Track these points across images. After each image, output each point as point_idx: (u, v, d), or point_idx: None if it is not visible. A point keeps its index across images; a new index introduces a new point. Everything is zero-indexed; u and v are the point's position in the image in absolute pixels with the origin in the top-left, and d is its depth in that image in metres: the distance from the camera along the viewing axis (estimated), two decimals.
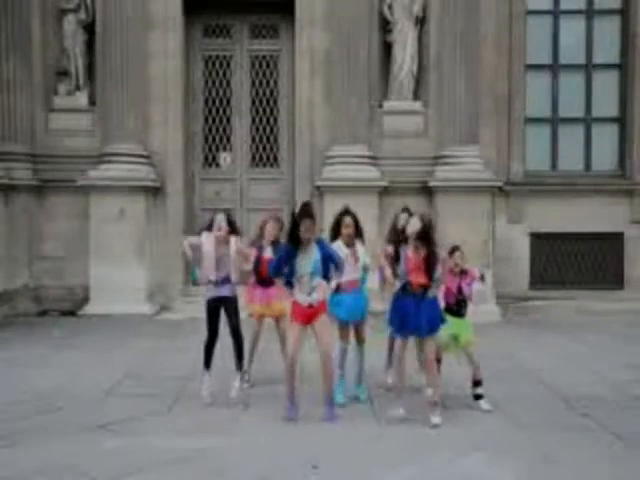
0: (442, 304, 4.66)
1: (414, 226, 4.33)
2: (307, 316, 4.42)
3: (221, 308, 4.86)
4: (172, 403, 4.75)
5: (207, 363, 4.85)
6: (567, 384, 5.25)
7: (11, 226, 8.36)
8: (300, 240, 4.34)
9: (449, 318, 4.63)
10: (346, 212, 4.91)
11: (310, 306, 4.40)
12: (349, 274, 4.72)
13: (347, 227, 4.82)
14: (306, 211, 4.39)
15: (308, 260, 4.37)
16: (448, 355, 4.83)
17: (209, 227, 4.81)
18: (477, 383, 4.71)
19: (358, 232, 4.91)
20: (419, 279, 4.31)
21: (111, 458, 3.73)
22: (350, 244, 4.83)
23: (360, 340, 4.98)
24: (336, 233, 4.88)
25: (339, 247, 4.76)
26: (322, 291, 4.42)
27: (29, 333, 7.30)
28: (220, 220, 4.76)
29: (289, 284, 4.47)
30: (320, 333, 4.42)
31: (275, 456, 3.74)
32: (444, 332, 4.62)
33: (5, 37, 8.36)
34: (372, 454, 3.80)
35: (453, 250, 4.74)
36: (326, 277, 4.46)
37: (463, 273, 4.70)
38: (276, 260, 4.58)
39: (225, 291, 4.83)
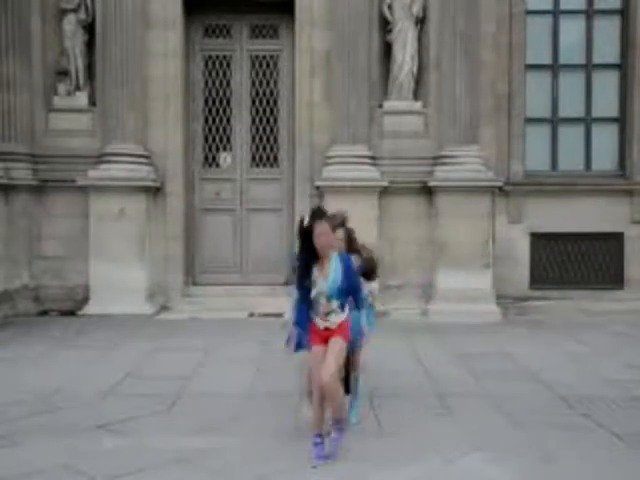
0: None
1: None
2: (325, 338, 3.73)
3: None
4: (172, 403, 4.74)
5: None
6: (567, 384, 5.25)
7: (11, 226, 8.33)
8: (315, 251, 3.60)
9: None
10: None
11: (327, 329, 3.72)
12: None
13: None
14: (319, 212, 3.66)
15: (324, 279, 3.64)
16: None
17: None
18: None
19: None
20: None
21: (111, 458, 3.73)
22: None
23: (354, 368, 4.39)
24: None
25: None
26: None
27: (29, 333, 7.28)
28: None
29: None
30: (327, 357, 3.66)
31: (275, 456, 3.73)
32: None
33: (5, 37, 8.33)
34: (372, 454, 3.80)
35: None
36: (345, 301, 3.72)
37: None
38: (297, 303, 3.78)
39: None
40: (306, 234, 3.59)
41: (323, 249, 3.59)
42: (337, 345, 3.69)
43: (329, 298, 3.66)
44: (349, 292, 3.72)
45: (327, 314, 3.69)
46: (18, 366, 5.82)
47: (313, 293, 3.65)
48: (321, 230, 3.55)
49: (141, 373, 5.59)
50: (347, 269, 3.67)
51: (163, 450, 3.81)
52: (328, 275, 3.63)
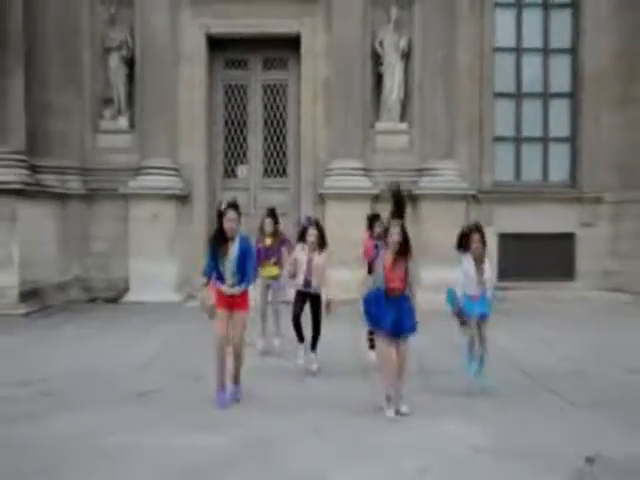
0: None
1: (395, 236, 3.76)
2: (229, 303, 3.85)
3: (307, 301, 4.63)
4: (197, 378, 4.53)
5: (300, 338, 4.66)
6: (531, 360, 5.07)
7: (66, 228, 8.23)
8: (225, 234, 3.75)
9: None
10: (475, 228, 4.18)
11: (231, 296, 3.84)
12: (472, 289, 4.14)
13: (476, 243, 4.14)
14: (232, 204, 3.78)
15: (229, 258, 3.79)
16: None
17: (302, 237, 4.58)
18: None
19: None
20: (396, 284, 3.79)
21: (145, 419, 3.54)
22: (479, 260, 4.17)
23: (482, 341, 4.24)
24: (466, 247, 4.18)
25: (468, 262, 4.13)
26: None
27: (80, 317, 7.13)
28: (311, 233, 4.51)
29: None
30: (234, 329, 3.87)
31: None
32: None
33: (62, 72, 8.25)
34: (371, 418, 3.59)
35: (374, 219, 4.82)
36: (244, 275, 3.82)
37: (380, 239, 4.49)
38: (207, 263, 3.93)
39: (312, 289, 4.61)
40: (219, 217, 3.77)
41: (229, 232, 3.74)
42: (241, 320, 3.89)
43: (232, 272, 3.80)
44: (244, 267, 3.81)
45: (232, 285, 3.81)
46: (69, 344, 5.66)
47: (221, 267, 3.79)
48: (229, 217, 3.72)
49: (171, 351, 5.40)
50: (244, 249, 3.81)
51: (189, 416, 3.65)
52: (232, 254, 3.77)
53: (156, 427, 3.46)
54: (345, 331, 5.02)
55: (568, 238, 9.12)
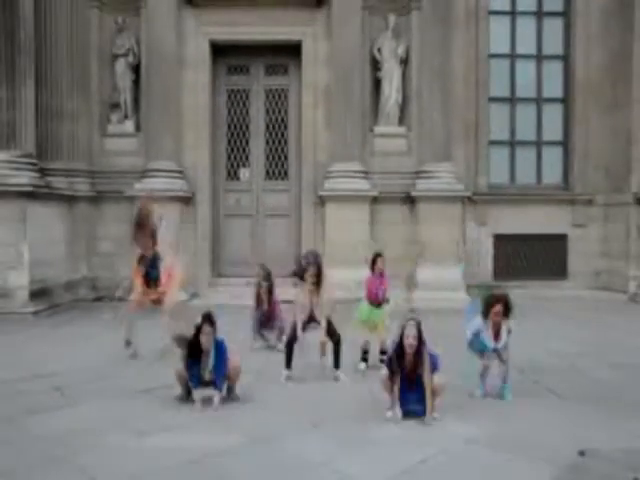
0: (366, 301, 4.58)
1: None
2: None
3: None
4: None
5: (288, 363, 4.40)
6: (523, 357, 5.01)
7: (74, 229, 8.23)
8: (201, 347, 3.74)
9: (370, 308, 4.57)
10: (497, 299, 3.87)
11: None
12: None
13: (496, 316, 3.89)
14: (208, 317, 3.75)
15: (207, 364, 3.78)
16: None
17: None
18: (383, 352, 4.44)
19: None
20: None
21: (151, 412, 3.56)
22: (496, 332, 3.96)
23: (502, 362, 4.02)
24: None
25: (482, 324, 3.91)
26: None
27: (87, 316, 7.16)
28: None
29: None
30: None
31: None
32: (366, 317, 4.54)
33: (71, 78, 8.24)
34: (370, 415, 3.59)
35: (376, 257, 4.62)
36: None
37: (382, 275, 4.58)
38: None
39: None
40: (196, 332, 3.75)
41: (204, 344, 3.74)
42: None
43: (210, 373, 3.78)
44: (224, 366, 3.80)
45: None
46: (78, 341, 5.69)
47: (199, 369, 3.77)
48: (205, 331, 3.71)
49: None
50: (220, 353, 3.78)
51: (190, 413, 3.67)
52: (209, 360, 3.76)
53: (157, 423, 3.46)
54: (342, 331, 4.99)
55: (560, 239, 9.14)
